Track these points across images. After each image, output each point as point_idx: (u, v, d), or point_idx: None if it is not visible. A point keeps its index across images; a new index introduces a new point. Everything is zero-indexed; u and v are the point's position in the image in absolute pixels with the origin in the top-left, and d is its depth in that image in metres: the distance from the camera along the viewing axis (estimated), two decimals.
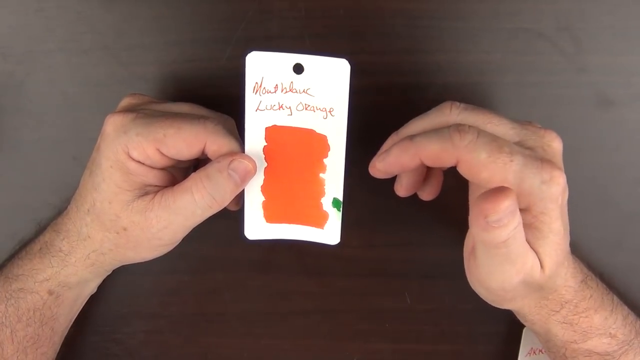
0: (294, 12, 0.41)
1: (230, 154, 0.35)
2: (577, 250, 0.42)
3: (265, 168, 0.36)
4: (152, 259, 0.38)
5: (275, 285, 0.45)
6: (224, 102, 0.42)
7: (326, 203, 0.37)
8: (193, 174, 0.35)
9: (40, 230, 0.40)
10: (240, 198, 0.39)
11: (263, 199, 0.37)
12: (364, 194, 0.43)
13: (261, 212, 0.37)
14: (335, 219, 0.37)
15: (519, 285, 0.33)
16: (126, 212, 0.35)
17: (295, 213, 0.38)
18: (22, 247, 0.40)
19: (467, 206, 0.43)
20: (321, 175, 0.37)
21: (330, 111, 0.35)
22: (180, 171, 0.38)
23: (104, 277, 0.41)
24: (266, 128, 0.36)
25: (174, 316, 0.45)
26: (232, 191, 0.35)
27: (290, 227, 0.38)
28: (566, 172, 0.42)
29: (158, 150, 0.34)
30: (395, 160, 0.34)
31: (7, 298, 0.37)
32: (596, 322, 0.35)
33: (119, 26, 0.42)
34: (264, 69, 0.35)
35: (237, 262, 0.44)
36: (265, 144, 0.36)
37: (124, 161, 0.34)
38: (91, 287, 0.41)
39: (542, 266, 0.33)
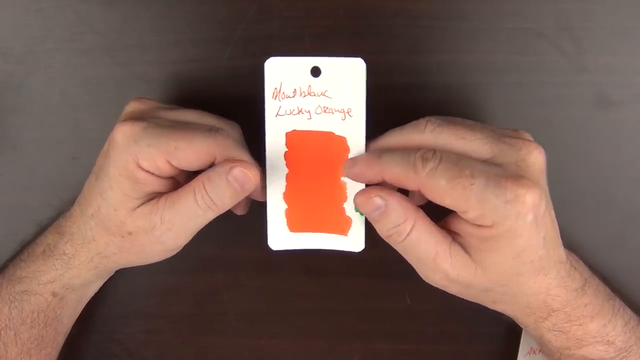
0: (294, 12, 0.41)
1: (232, 160, 0.35)
2: (578, 250, 0.42)
3: (286, 174, 0.36)
4: (153, 262, 0.38)
5: (275, 285, 0.45)
6: (224, 102, 0.42)
7: (349, 208, 0.37)
8: (198, 176, 0.35)
9: (41, 230, 0.40)
10: (247, 204, 0.39)
11: (286, 206, 0.37)
12: None
13: (284, 220, 0.37)
14: (358, 224, 0.37)
15: (450, 283, 0.34)
16: (131, 218, 0.35)
17: (319, 220, 0.37)
18: (23, 249, 0.40)
19: None
20: (342, 179, 0.36)
21: (348, 112, 0.35)
22: (183, 175, 0.38)
23: (107, 278, 0.41)
24: (286, 133, 0.36)
25: (174, 316, 0.45)
26: (232, 197, 0.35)
27: (313, 235, 0.38)
28: (566, 172, 0.42)
29: (168, 161, 0.34)
30: (359, 173, 0.35)
31: (11, 300, 0.37)
32: (592, 330, 0.35)
33: (119, 26, 0.42)
34: (283, 74, 0.35)
35: (237, 262, 0.44)
36: (286, 149, 0.36)
37: (133, 170, 0.34)
38: (94, 288, 0.41)
39: (482, 272, 0.33)
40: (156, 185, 0.35)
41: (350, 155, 0.36)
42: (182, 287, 0.45)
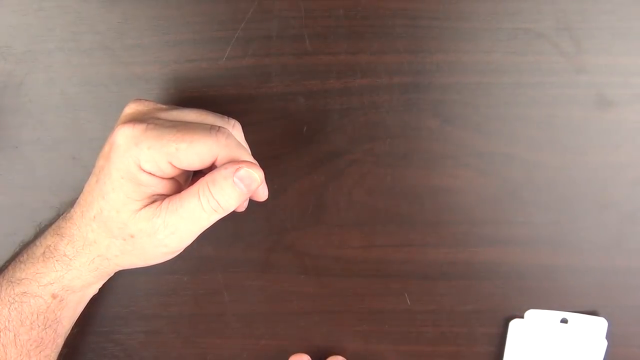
0: (294, 12, 0.41)
1: (237, 161, 0.35)
2: (577, 250, 0.42)
3: None
4: (155, 264, 0.38)
5: (274, 285, 0.45)
6: (224, 102, 0.42)
7: None
8: (201, 179, 0.35)
9: (40, 231, 0.40)
10: (246, 200, 0.39)
11: None
12: (363, 194, 0.43)
13: None
14: None
15: None
16: (133, 220, 0.35)
17: None
18: (22, 250, 0.40)
19: (467, 208, 0.43)
20: None
21: None
22: (183, 176, 0.38)
23: (106, 279, 0.41)
24: None
25: (173, 317, 0.45)
26: (238, 198, 0.35)
27: None
28: (566, 172, 0.42)
29: (170, 162, 0.34)
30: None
31: (11, 302, 0.37)
32: None
33: (119, 26, 0.42)
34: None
35: (237, 262, 0.44)
36: None
37: (135, 173, 0.34)
38: (93, 290, 0.41)
39: None
40: (158, 186, 0.35)
41: None
42: (181, 287, 0.45)
